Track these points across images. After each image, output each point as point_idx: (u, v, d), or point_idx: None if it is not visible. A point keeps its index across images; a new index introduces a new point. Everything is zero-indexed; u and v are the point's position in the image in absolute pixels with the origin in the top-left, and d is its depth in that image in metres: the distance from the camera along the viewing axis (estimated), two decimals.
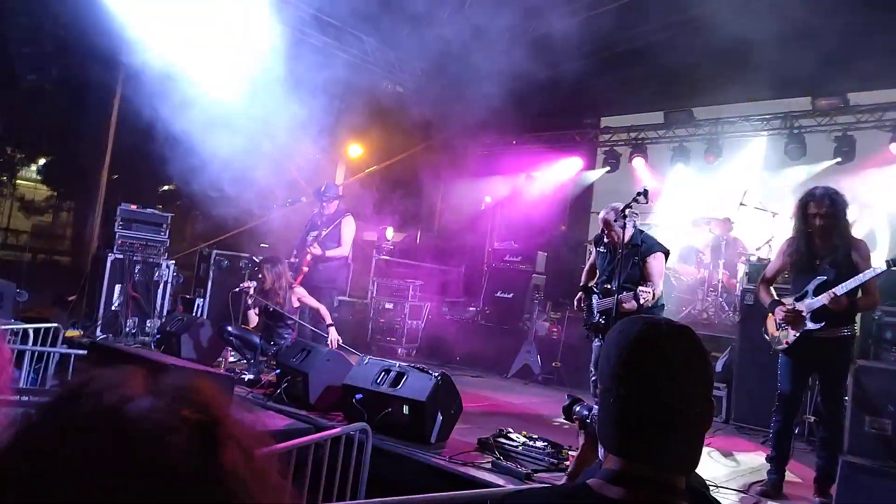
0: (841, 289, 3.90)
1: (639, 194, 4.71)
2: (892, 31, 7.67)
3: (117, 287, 7.48)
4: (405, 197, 12.94)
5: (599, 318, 5.05)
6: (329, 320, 6.50)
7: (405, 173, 12.26)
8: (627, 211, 4.73)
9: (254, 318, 6.50)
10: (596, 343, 5.15)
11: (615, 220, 4.88)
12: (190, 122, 7.19)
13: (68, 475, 0.56)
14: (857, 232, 4.39)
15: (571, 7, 9.02)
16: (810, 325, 4.06)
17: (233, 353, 6.56)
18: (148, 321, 7.60)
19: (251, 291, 6.52)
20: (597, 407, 2.01)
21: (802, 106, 9.24)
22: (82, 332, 7.08)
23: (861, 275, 3.89)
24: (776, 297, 4.31)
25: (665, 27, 9.07)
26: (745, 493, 4.09)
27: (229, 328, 6.30)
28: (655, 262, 4.93)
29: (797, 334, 4.13)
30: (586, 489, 1.23)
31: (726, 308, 7.79)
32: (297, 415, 4.78)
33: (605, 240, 5.08)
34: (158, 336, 6.90)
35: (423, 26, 8.92)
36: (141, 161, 8.57)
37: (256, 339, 6.33)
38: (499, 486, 3.69)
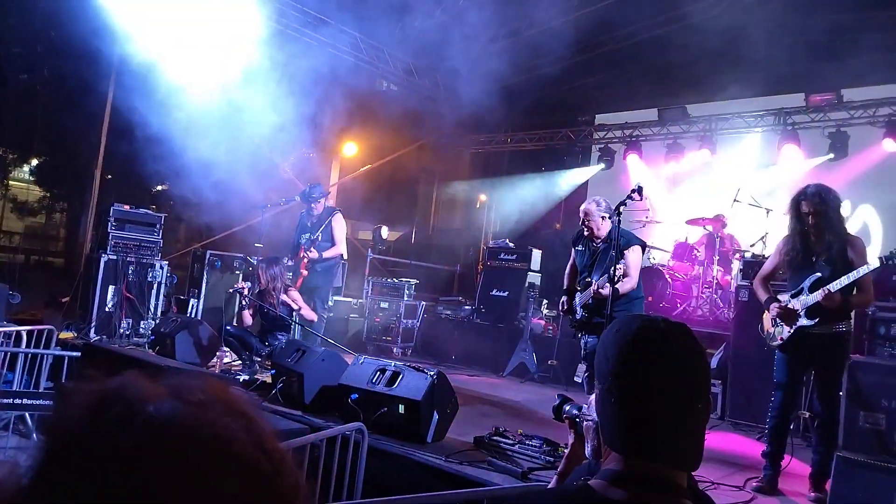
0: (835, 285, 3.92)
1: (632, 192, 4.71)
2: (883, 27, 7.69)
3: (111, 288, 7.45)
4: (400, 195, 12.95)
5: (582, 313, 5.15)
6: (311, 317, 6.53)
7: (400, 172, 12.25)
8: (622, 208, 4.73)
9: (248, 318, 6.49)
10: (584, 340, 5.21)
11: (596, 210, 5.05)
12: (183, 121, 7.17)
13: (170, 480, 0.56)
14: (850, 227, 4.41)
15: (565, 4, 9.02)
16: (804, 322, 4.07)
17: (228, 353, 6.55)
18: (142, 322, 7.57)
19: (245, 292, 6.51)
20: (586, 406, 2.01)
21: (796, 102, 9.26)
22: (76, 334, 7.05)
23: (855, 271, 3.91)
24: (772, 294, 4.32)
25: (658, 24, 9.08)
26: (741, 488, 4.10)
27: (229, 328, 6.28)
28: (633, 255, 5.03)
29: (791, 330, 4.14)
30: (588, 491, 1.23)
31: (721, 305, 7.81)
32: (293, 415, 4.77)
33: (586, 233, 5.17)
34: (153, 337, 6.87)
35: (418, 24, 8.90)
36: (134, 161, 8.53)
37: (254, 340, 6.33)
38: (496, 484, 3.68)
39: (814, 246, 4.12)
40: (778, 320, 4.22)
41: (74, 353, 5.30)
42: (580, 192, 11.65)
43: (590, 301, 5.06)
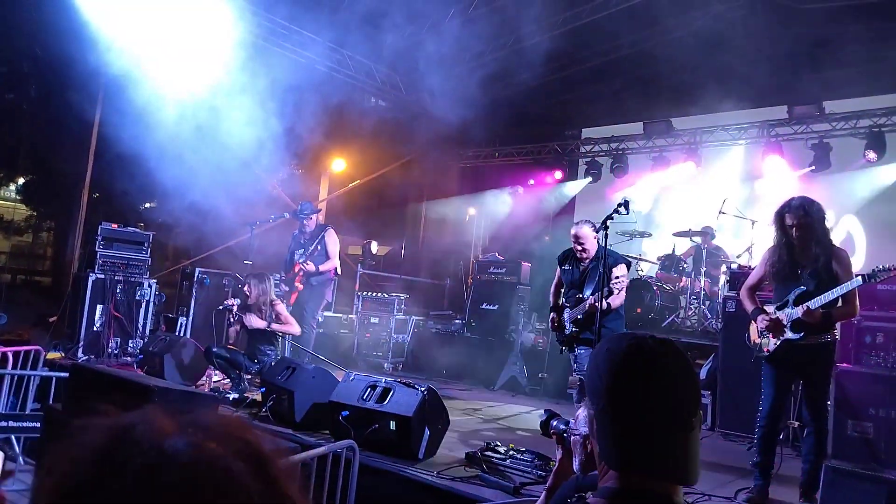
0: (815, 303, 3.97)
1: (619, 205, 4.76)
2: (862, 41, 7.84)
3: (99, 307, 7.40)
4: (389, 210, 12.97)
5: (571, 328, 5.29)
6: (294, 331, 6.51)
7: (389, 187, 12.28)
8: (609, 222, 4.77)
9: (233, 334, 6.46)
10: (576, 353, 5.33)
11: (590, 233, 5.28)
12: (170, 139, 7.17)
13: None
14: (835, 237, 4.46)
15: (551, 21, 9.12)
16: (790, 335, 4.11)
17: (217, 372, 6.51)
18: (130, 341, 7.51)
19: (234, 309, 6.48)
20: (573, 421, 2.02)
21: (779, 115, 9.39)
22: (64, 354, 6.99)
23: (837, 288, 3.95)
24: (759, 305, 4.36)
25: (643, 39, 9.20)
26: (732, 499, 4.12)
27: (215, 350, 6.25)
28: (620, 272, 5.24)
29: (778, 342, 4.18)
30: None
31: (709, 316, 7.86)
32: (283, 434, 4.74)
33: (580, 255, 5.36)
34: (141, 357, 6.82)
35: (406, 41, 8.98)
36: (121, 179, 8.51)
37: (241, 359, 6.28)
38: (487, 500, 3.68)
39: (799, 258, 4.16)
40: (765, 332, 4.26)
41: (62, 374, 5.25)
42: (568, 206, 11.73)
43: (580, 317, 5.21)
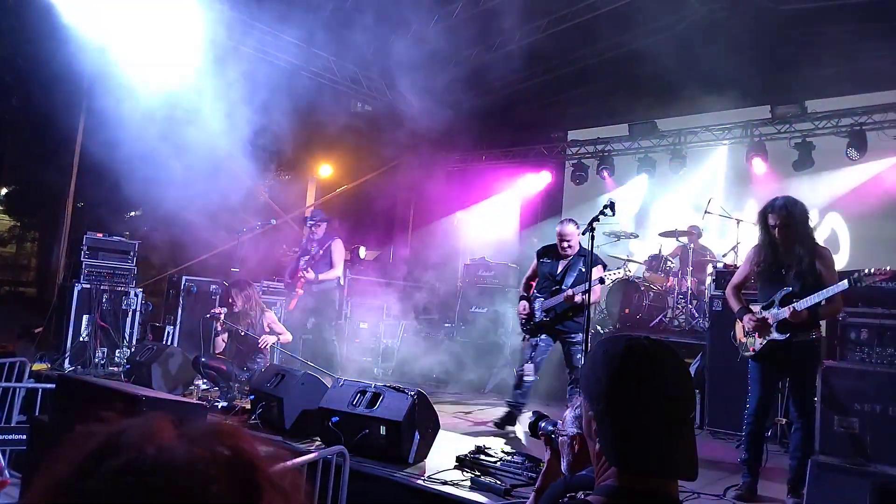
0: (802, 304, 4.01)
1: (605, 207, 4.79)
2: (841, 42, 7.94)
3: (85, 317, 7.34)
4: (377, 215, 12.95)
5: (542, 316, 5.63)
6: (286, 338, 6.52)
7: (376, 191, 12.27)
8: (595, 224, 4.80)
9: (221, 343, 6.42)
10: (536, 341, 5.69)
11: (575, 231, 5.62)
12: (156, 147, 7.13)
13: None
14: (819, 235, 4.52)
15: (536, 23, 9.17)
16: (776, 336, 4.15)
17: (204, 381, 6.47)
18: (117, 351, 7.45)
19: (221, 317, 6.44)
20: (560, 422, 2.03)
21: (762, 114, 9.48)
22: (50, 365, 6.92)
23: (823, 291, 3.99)
24: (745, 305, 4.39)
25: (627, 41, 9.26)
26: (721, 497, 4.15)
27: (203, 359, 6.21)
28: (599, 272, 5.52)
29: (764, 342, 4.21)
30: None
31: (696, 315, 7.91)
32: (273, 441, 4.72)
33: (566, 249, 5.66)
34: (128, 366, 6.77)
35: (391, 45, 8.99)
36: (106, 188, 8.46)
37: (230, 368, 6.24)
38: (479, 503, 3.68)
39: (783, 258, 4.19)
40: (751, 331, 4.29)
41: (49, 386, 5.20)
42: (555, 208, 11.76)
43: (557, 307, 5.54)
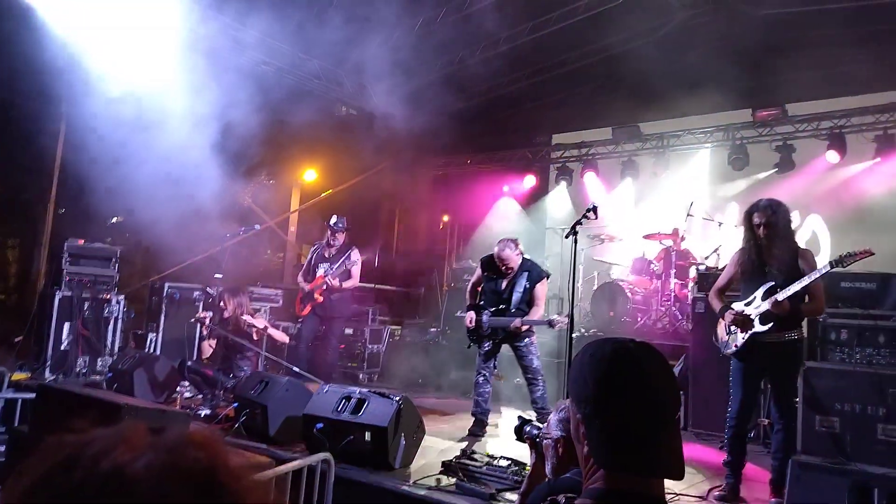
0: (782, 294, 4.05)
1: (588, 210, 4.82)
2: (821, 45, 8.05)
3: (66, 325, 7.25)
4: (362, 220, 12.91)
5: (488, 329, 5.70)
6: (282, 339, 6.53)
7: (361, 196, 12.23)
8: (578, 227, 4.82)
9: (207, 349, 6.38)
10: (483, 350, 5.77)
11: (513, 255, 5.62)
12: (137, 152, 7.07)
13: None
14: (800, 237, 4.58)
15: (519, 27, 9.21)
16: (758, 328, 4.19)
17: (188, 388, 6.41)
18: (99, 359, 7.36)
19: (207, 322, 6.40)
20: (545, 426, 2.04)
21: (743, 118, 9.58)
22: (30, 375, 6.82)
23: (805, 278, 4.04)
24: (726, 304, 4.44)
25: (610, 46, 9.33)
26: (703, 498, 4.17)
27: (189, 364, 6.16)
28: (542, 287, 5.67)
29: (745, 337, 4.25)
30: None
31: (679, 317, 7.96)
32: (257, 448, 4.69)
33: (504, 269, 5.68)
34: (110, 375, 6.69)
35: (375, 49, 8.97)
36: (87, 194, 8.36)
37: (216, 374, 6.21)
38: None
39: (766, 257, 4.26)
40: (732, 328, 4.33)
41: (28, 395, 5.13)
42: (540, 211, 11.81)
43: (502, 330, 5.64)
